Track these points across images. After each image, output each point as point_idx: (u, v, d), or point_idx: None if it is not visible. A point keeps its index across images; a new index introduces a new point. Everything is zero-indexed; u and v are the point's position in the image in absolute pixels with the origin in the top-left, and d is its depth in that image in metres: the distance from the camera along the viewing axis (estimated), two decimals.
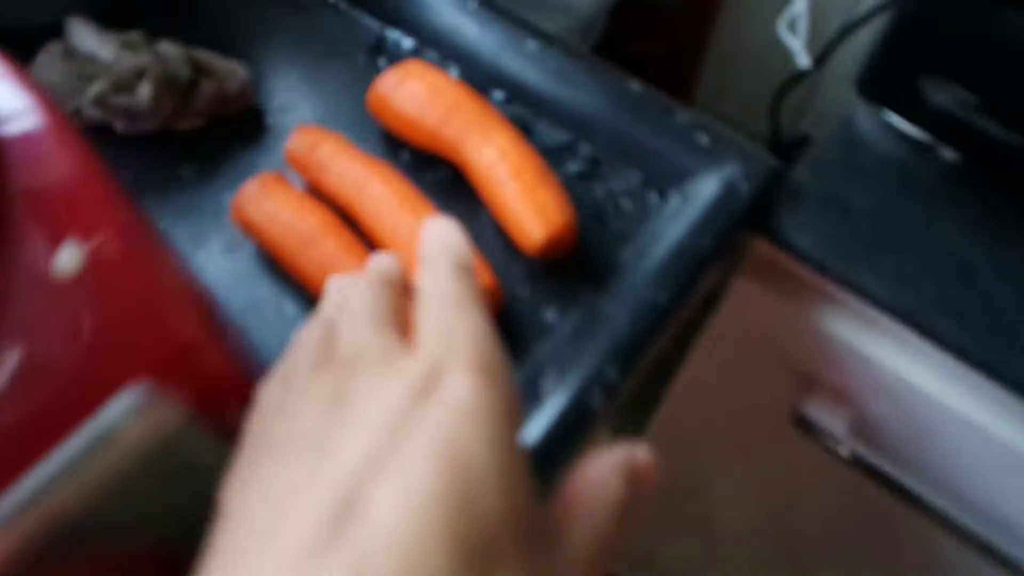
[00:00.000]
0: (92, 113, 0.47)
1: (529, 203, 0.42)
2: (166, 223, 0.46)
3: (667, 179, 0.48)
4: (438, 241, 0.27)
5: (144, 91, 0.45)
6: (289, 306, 0.43)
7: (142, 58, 0.46)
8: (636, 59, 0.58)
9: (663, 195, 0.47)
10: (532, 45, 0.51)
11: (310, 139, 0.46)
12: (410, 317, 0.25)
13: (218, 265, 0.45)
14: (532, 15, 0.54)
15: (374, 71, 0.53)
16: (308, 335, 0.26)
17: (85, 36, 0.48)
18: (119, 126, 0.48)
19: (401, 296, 0.27)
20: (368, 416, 0.20)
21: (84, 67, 0.46)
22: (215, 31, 0.55)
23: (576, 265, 0.44)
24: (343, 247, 0.41)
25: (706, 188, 0.46)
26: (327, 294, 0.29)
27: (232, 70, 0.49)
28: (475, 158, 0.44)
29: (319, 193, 0.45)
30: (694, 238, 0.44)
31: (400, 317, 0.25)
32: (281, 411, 0.23)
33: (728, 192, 0.46)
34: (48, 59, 0.47)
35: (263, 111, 0.52)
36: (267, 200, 0.43)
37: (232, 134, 0.50)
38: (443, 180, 0.48)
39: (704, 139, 0.48)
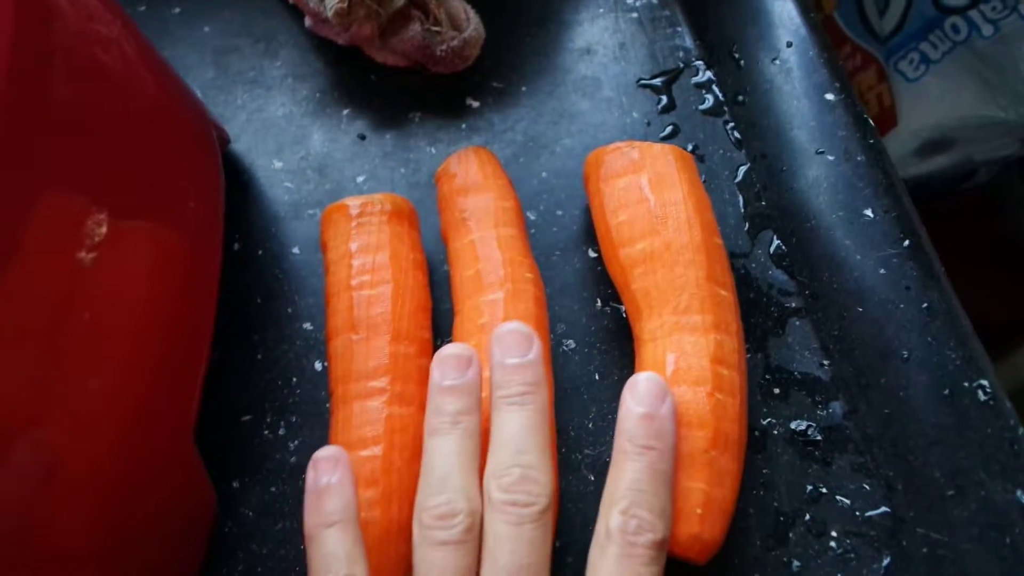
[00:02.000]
0: None
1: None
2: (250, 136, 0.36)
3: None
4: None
5: (331, 1, 0.33)
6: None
7: None
8: None
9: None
10: (870, 209, 0.31)
11: (466, 174, 0.31)
12: None
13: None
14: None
15: (650, 107, 0.36)
16: (453, 561, 0.22)
17: None
18: (306, 20, 0.37)
19: None
20: None
21: None
22: None
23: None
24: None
25: None
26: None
27: (461, 21, 0.35)
28: (648, 353, 0.27)
29: (444, 238, 0.31)
30: None
31: None
32: None
33: None
34: None
35: (477, 86, 0.37)
36: (362, 230, 0.29)
37: (420, 96, 0.37)
38: (607, 324, 0.31)
39: None
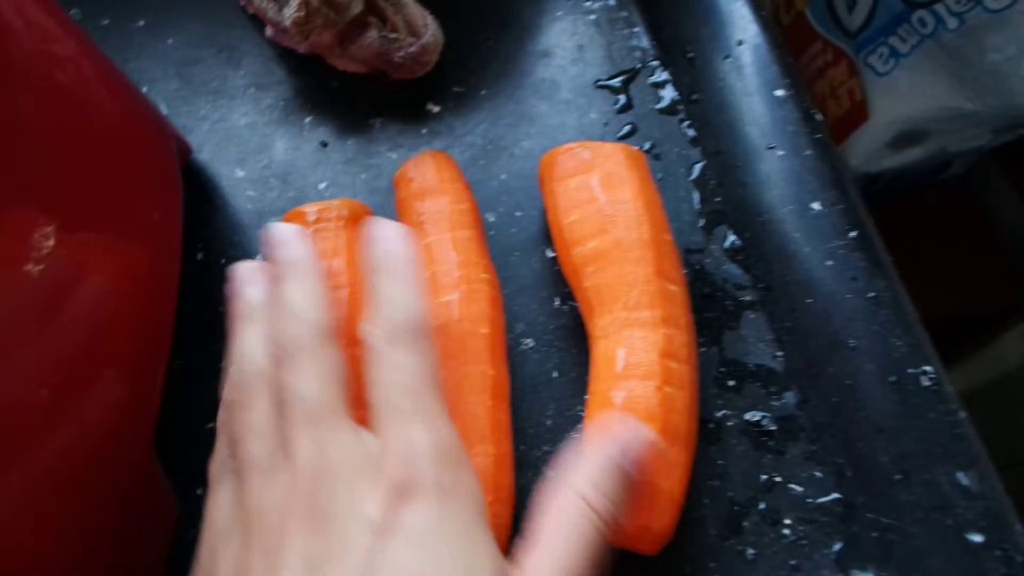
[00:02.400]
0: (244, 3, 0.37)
1: None
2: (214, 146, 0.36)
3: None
4: (396, 294, 0.24)
5: (289, 11, 0.34)
6: None
7: None
8: None
9: None
10: (819, 204, 0.31)
11: (423, 178, 0.32)
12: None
13: None
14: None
15: (608, 107, 0.37)
16: (253, 417, 0.22)
17: None
18: (267, 30, 0.38)
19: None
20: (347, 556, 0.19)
21: None
22: None
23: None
24: None
25: None
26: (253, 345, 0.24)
27: (419, 28, 0.36)
28: (600, 350, 0.28)
29: None
30: None
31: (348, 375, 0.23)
32: (243, 521, 0.21)
33: None
34: None
35: (437, 91, 0.38)
36: (318, 236, 0.30)
37: (381, 102, 0.38)
38: (564, 323, 0.32)
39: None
